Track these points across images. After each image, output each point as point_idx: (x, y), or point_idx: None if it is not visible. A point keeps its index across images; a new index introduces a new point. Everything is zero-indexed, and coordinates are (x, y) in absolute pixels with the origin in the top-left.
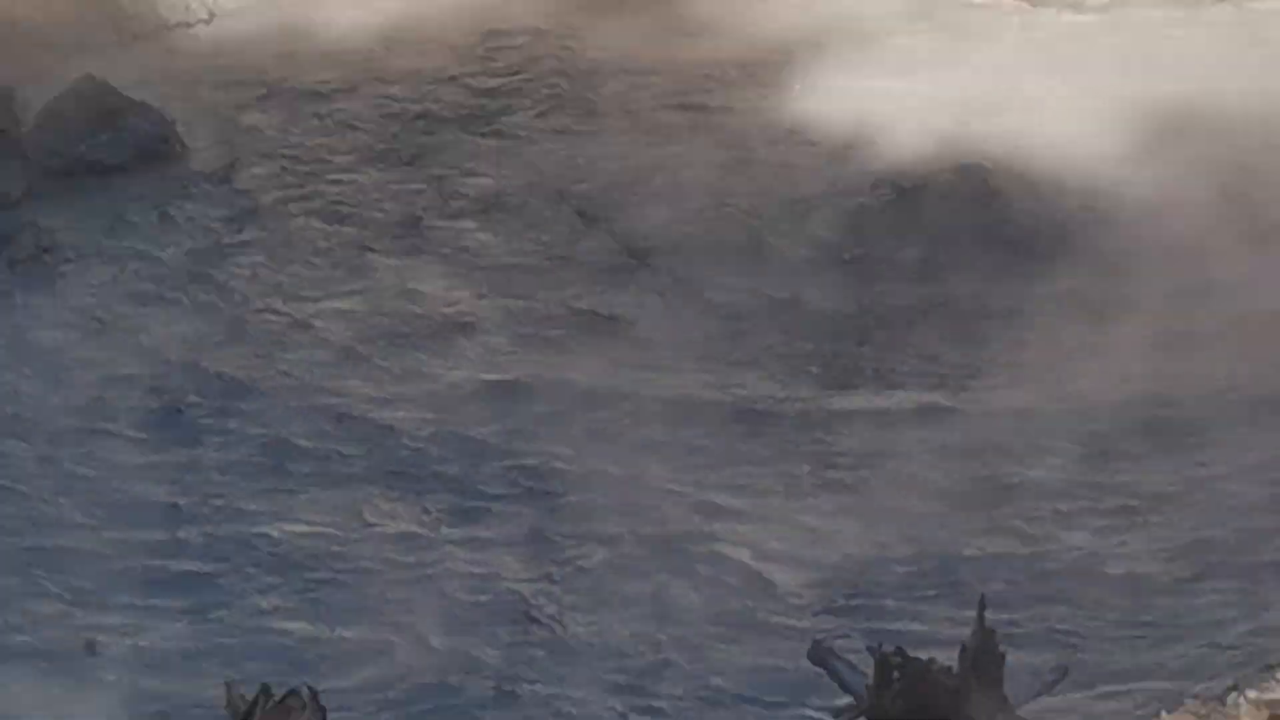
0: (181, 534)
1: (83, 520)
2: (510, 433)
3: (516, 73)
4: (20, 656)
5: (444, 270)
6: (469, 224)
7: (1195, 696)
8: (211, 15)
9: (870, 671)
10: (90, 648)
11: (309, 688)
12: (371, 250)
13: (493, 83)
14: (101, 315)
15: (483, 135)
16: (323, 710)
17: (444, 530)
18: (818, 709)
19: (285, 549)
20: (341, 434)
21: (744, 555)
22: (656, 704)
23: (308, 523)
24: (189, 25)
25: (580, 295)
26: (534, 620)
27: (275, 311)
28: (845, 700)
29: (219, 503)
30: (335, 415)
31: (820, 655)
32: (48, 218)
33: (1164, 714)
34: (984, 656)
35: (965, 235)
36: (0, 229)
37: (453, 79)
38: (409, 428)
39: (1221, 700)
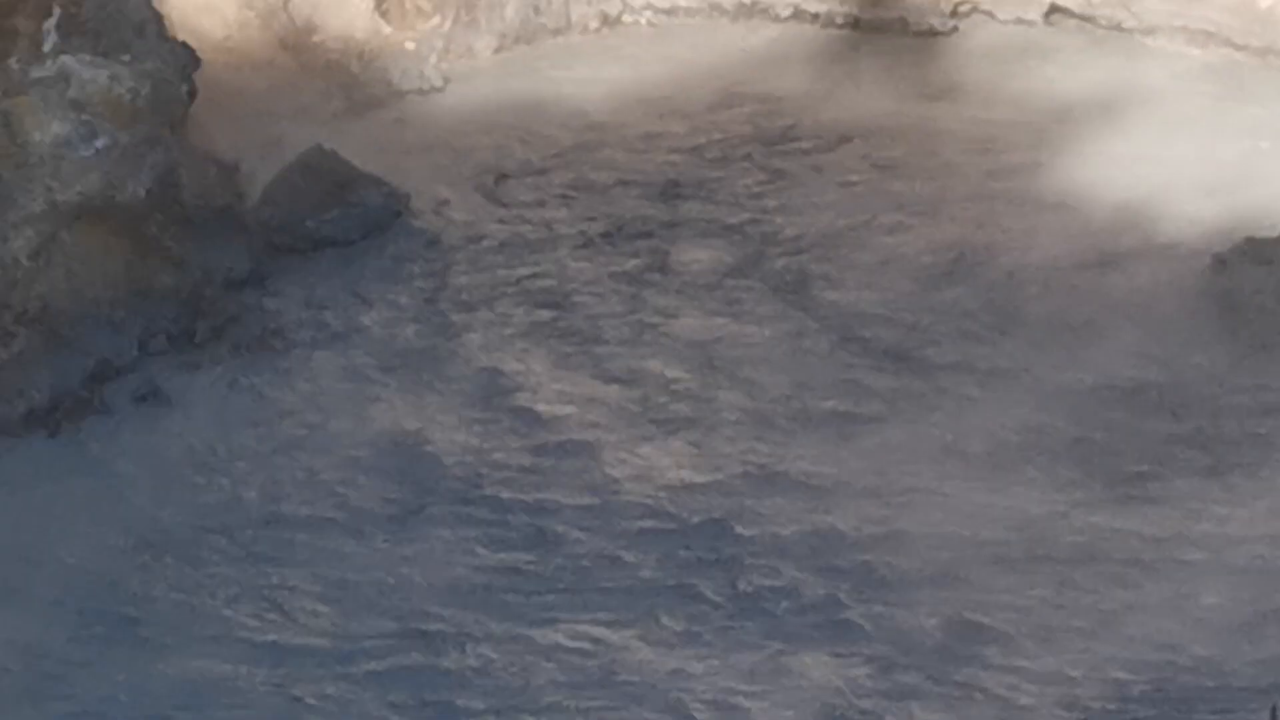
0: (427, 645)
1: (307, 629)
2: (755, 542)
3: (753, 140)
4: None
5: (668, 359)
6: (693, 307)
7: None
8: (445, 82)
9: None
10: None
11: None
12: (599, 341)
13: (725, 151)
14: (328, 401)
15: (714, 204)
16: None
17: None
18: None
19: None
20: (572, 534)
21: (1015, 678)
22: None
23: (571, 634)
24: (422, 92)
25: (820, 390)
26: None
27: (502, 403)
28: None
29: (458, 611)
30: (566, 515)
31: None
32: (274, 298)
33: None
34: None
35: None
36: (225, 311)
37: (684, 147)
38: (644, 528)
39: None
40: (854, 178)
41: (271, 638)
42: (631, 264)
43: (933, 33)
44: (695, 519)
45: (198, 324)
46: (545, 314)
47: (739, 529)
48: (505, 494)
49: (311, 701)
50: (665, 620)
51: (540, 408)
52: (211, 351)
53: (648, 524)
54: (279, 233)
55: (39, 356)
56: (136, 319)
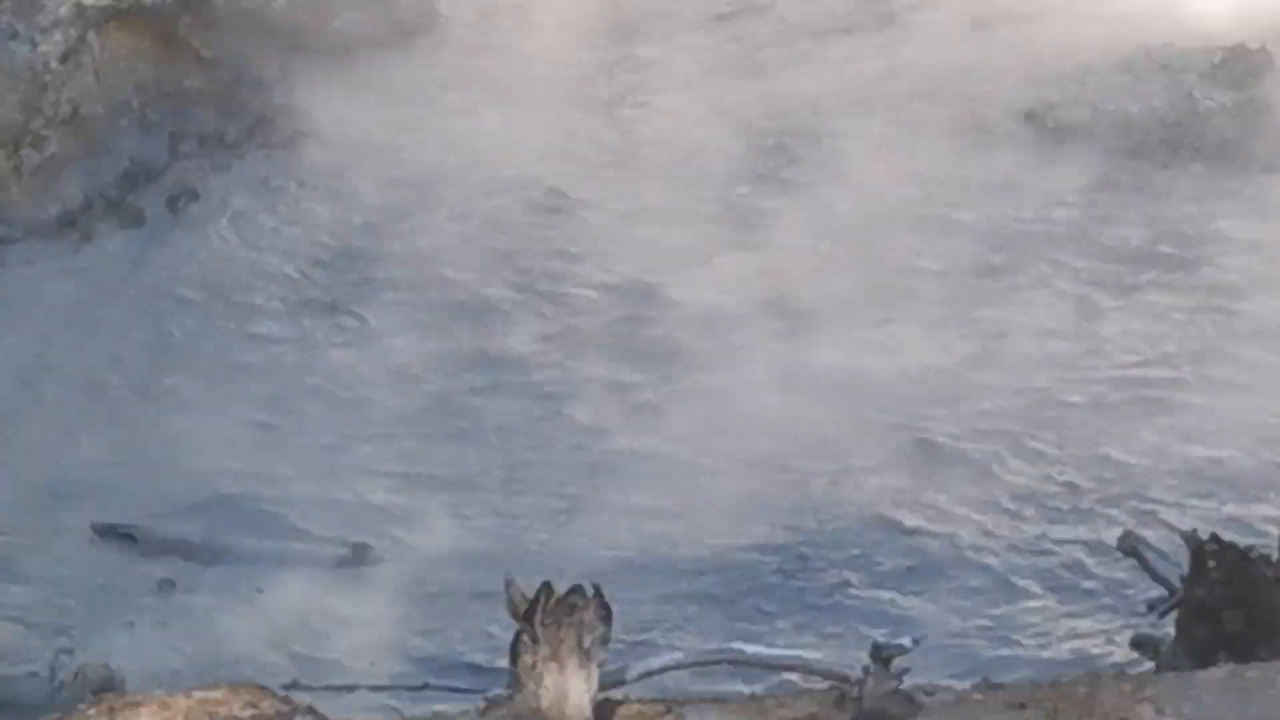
0: None
1: None
2: None
3: None
4: None
5: None
6: None
7: None
8: None
9: (1185, 561)
10: None
11: (594, 585)
12: None
13: None
14: (356, 201)
15: None
16: (607, 608)
17: None
18: None
19: None
20: None
21: None
22: None
23: None
24: None
25: None
26: None
27: None
28: (1158, 593)
29: None
30: None
31: (1131, 545)
32: (303, 99)
33: None
34: None
35: None
36: (255, 111)
37: None
38: None
39: None
40: None
41: None
42: None
43: None
44: None
45: (229, 125)
46: None
47: None
48: None
49: None
50: None
51: None
52: (243, 152)
53: None
54: (306, 32)
55: (71, 159)
56: (168, 121)
